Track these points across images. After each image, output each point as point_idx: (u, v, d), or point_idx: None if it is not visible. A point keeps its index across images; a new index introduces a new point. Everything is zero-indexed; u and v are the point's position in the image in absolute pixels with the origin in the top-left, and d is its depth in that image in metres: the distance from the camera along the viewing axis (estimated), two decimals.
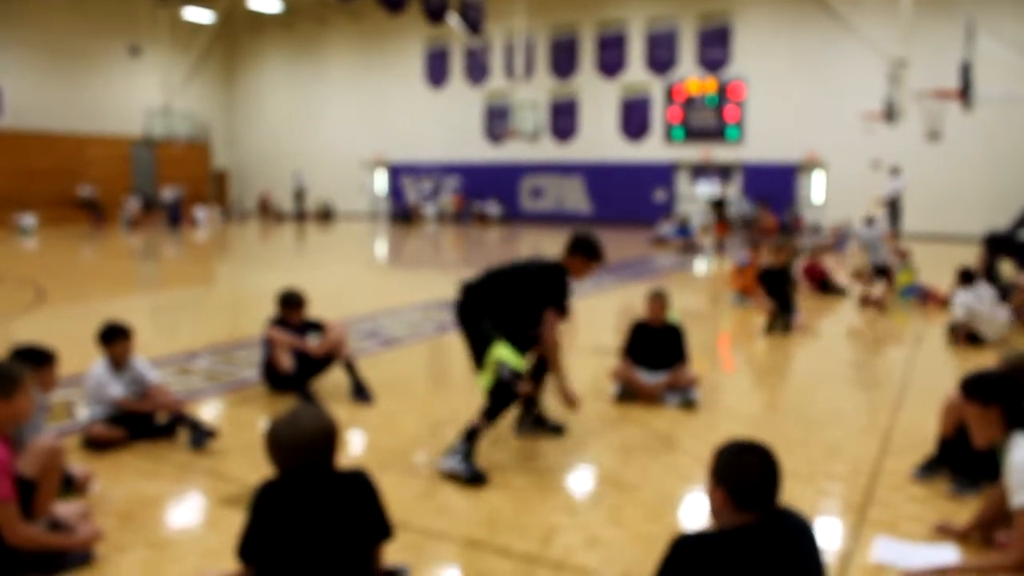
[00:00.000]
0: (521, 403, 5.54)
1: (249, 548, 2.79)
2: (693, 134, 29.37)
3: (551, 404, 5.80)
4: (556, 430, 5.61)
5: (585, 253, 5.20)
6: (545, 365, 5.44)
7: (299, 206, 35.12)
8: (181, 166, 35.52)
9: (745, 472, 2.47)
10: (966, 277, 9.09)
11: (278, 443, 2.80)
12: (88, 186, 31.83)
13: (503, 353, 4.75)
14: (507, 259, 5.32)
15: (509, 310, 4.98)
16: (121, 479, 4.77)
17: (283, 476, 2.81)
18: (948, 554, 3.79)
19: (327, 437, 2.84)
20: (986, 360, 7.35)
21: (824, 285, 12.60)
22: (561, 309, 5.12)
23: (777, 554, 2.40)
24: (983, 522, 3.91)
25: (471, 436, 4.79)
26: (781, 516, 2.51)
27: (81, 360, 6.18)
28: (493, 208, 32.57)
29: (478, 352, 4.90)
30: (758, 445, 2.54)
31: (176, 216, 29.45)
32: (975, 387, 3.62)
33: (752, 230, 24.58)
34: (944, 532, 4.02)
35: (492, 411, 4.81)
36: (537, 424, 5.62)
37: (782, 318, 9.66)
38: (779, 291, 9.83)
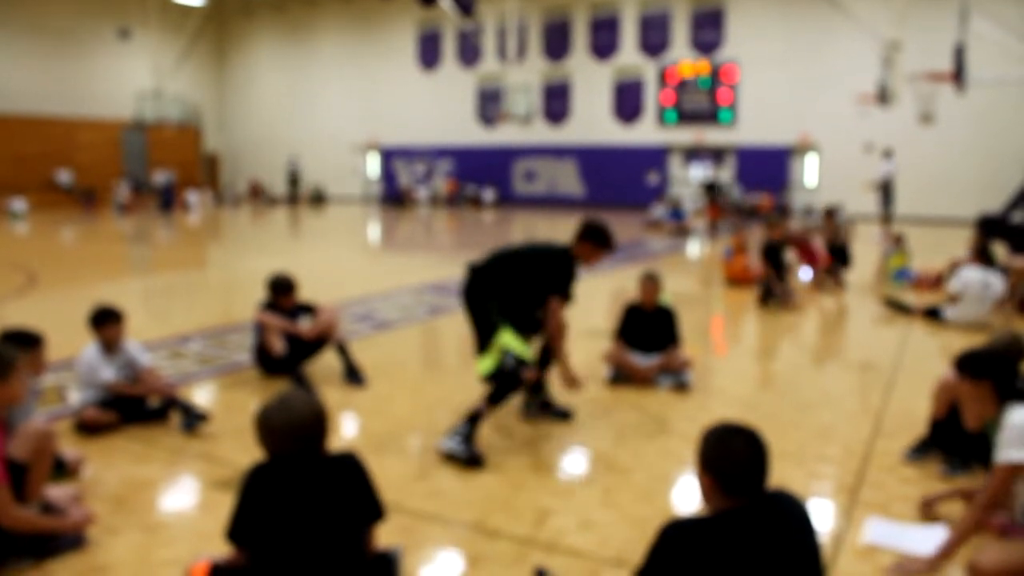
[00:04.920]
0: (528, 388, 5.54)
1: (238, 531, 2.79)
2: (686, 117, 29.31)
3: (556, 389, 5.80)
4: (563, 415, 5.59)
5: (595, 240, 5.17)
6: (551, 350, 5.42)
7: (293, 190, 34.94)
8: (172, 150, 35.32)
9: (730, 457, 2.42)
10: (986, 257, 9.08)
11: (269, 427, 2.78)
12: (66, 172, 31.54)
13: (509, 340, 4.74)
14: (505, 242, 5.28)
15: (515, 293, 4.95)
16: (113, 463, 4.76)
17: (273, 459, 2.80)
18: (939, 534, 3.80)
19: (318, 421, 2.82)
20: (977, 341, 7.36)
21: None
22: (565, 296, 5.09)
23: (767, 538, 2.38)
24: (969, 493, 3.93)
25: (474, 419, 4.78)
26: (773, 499, 2.48)
27: (73, 344, 6.15)
28: (486, 192, 32.48)
29: (483, 335, 4.89)
30: (744, 428, 2.49)
31: (168, 200, 29.33)
32: (967, 363, 3.66)
33: (743, 213, 24.52)
34: (928, 507, 4.05)
35: (496, 396, 4.81)
36: (544, 409, 5.61)
37: (777, 288, 9.88)
38: (777, 264, 10.07)
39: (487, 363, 4.78)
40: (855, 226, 15.37)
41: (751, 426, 2.51)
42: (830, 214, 12.60)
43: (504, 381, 4.77)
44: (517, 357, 4.72)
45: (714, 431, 2.52)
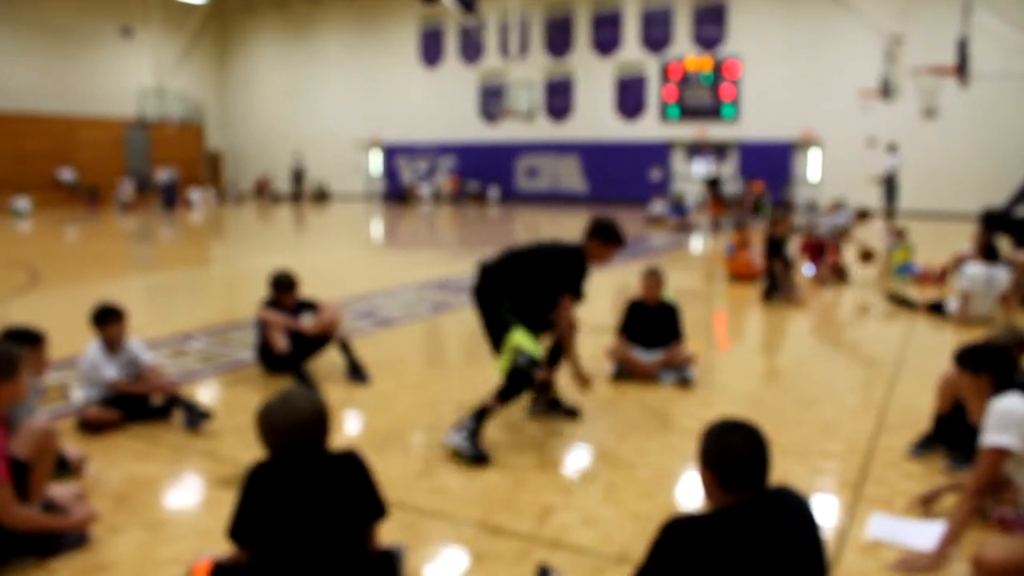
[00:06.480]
0: (535, 386, 5.54)
1: (240, 529, 2.78)
2: (688, 112, 29.27)
3: (564, 386, 5.79)
4: (571, 413, 5.58)
5: (604, 237, 5.14)
6: (561, 349, 5.41)
7: (297, 188, 34.95)
8: (175, 148, 35.32)
9: (730, 453, 2.42)
10: (990, 253, 9.08)
11: (271, 425, 2.78)
12: (69, 170, 31.54)
13: (521, 340, 4.77)
14: (507, 238, 5.26)
15: (526, 292, 4.97)
16: (116, 461, 4.76)
17: (275, 458, 2.80)
18: (943, 529, 3.79)
19: (320, 419, 2.82)
20: (981, 336, 7.35)
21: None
22: (577, 294, 5.10)
23: (769, 533, 2.37)
24: (961, 486, 3.92)
25: (481, 416, 4.79)
26: (775, 495, 2.47)
27: (75, 342, 6.15)
28: (491, 190, 32.43)
29: (495, 336, 4.93)
30: (744, 424, 2.49)
31: (171, 198, 29.34)
32: (966, 356, 3.69)
33: (742, 205, 24.45)
34: (926, 503, 4.03)
35: (506, 394, 4.82)
36: (551, 407, 5.60)
37: (782, 282, 9.92)
38: (781, 259, 10.10)
39: (503, 363, 4.82)
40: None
41: (751, 422, 2.51)
42: (863, 216, 12.81)
43: (516, 379, 4.79)
44: (530, 357, 4.75)
45: (714, 427, 2.52)
